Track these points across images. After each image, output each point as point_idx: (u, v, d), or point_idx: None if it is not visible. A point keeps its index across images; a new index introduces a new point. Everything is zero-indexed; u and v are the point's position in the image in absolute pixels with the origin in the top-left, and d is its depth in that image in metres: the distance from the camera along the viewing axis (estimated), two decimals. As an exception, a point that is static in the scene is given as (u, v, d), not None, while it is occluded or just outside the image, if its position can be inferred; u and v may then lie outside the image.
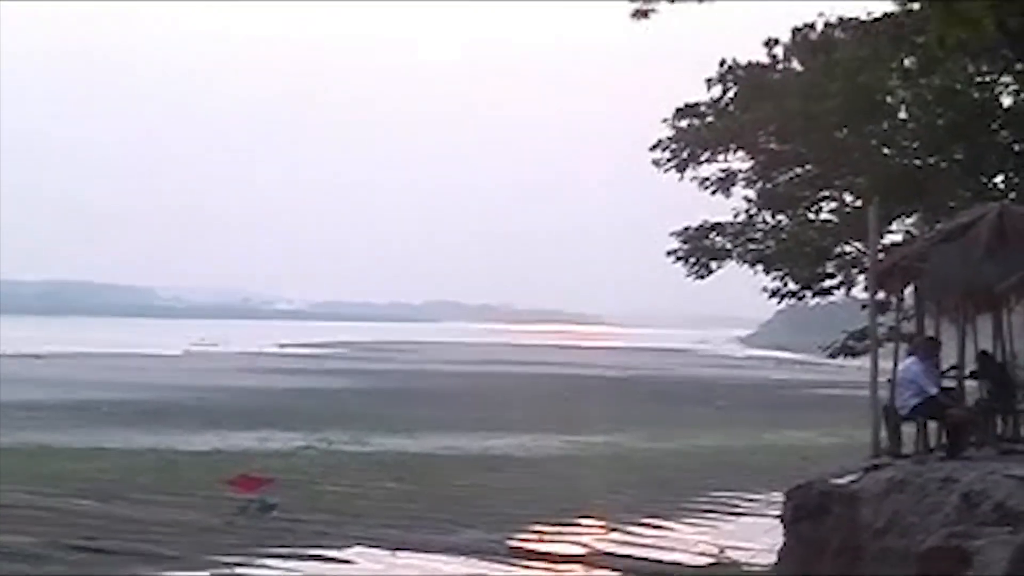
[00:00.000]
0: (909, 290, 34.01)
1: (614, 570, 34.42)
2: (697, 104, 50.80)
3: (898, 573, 24.87)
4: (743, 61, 50.68)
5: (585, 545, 37.61)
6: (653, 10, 48.92)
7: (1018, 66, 45.93)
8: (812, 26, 49.54)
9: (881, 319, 34.34)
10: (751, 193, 51.01)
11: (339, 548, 35.32)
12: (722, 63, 50.66)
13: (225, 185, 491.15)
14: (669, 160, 50.93)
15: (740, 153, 50.78)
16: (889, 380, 31.19)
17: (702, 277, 51.88)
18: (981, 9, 14.82)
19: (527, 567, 34.51)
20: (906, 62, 47.50)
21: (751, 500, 43.69)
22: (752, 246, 50.63)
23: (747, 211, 51.06)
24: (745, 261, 50.77)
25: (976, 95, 47.06)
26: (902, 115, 48.24)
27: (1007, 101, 47.84)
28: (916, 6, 47.39)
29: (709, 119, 50.61)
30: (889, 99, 47.84)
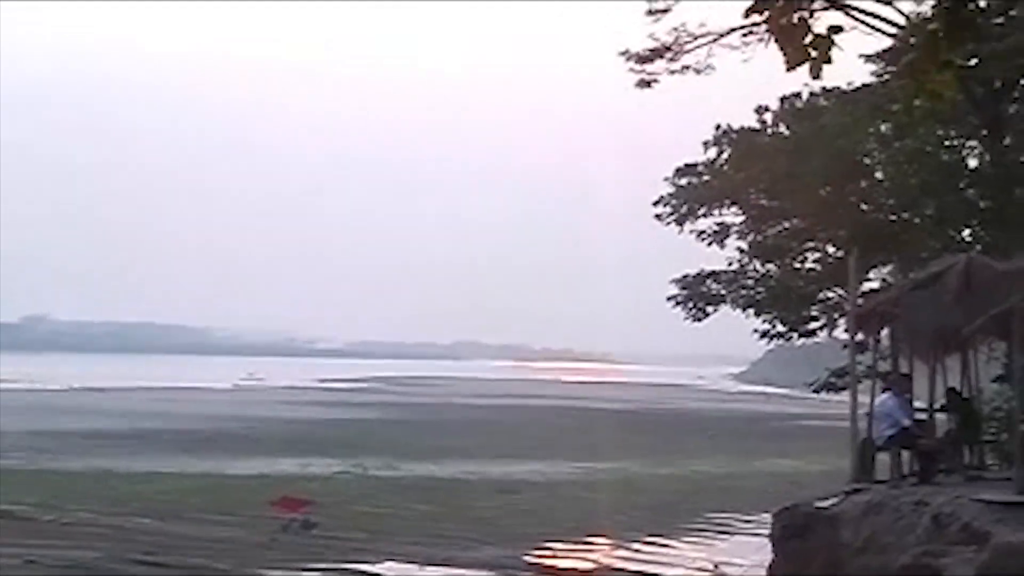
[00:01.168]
0: (885, 332, 33.99)
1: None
2: (695, 164, 50.85)
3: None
4: (736, 125, 50.75)
5: (594, 561, 37.59)
6: (656, 80, 49.12)
7: (983, 131, 45.88)
8: (798, 95, 49.59)
9: (860, 358, 34.28)
10: (743, 244, 51.00)
11: (373, 563, 35.29)
12: (717, 127, 50.72)
13: (273, 231, 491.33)
14: (670, 215, 50.93)
15: (733, 208, 50.76)
16: (867, 413, 31.18)
17: (699, 319, 51.82)
18: (946, 83, 14.77)
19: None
20: (882, 127, 47.53)
21: (743, 521, 43.61)
22: (744, 292, 50.60)
23: (739, 260, 51.06)
24: (738, 305, 50.74)
25: (945, 157, 47.07)
26: (879, 175, 48.24)
27: (973, 162, 47.86)
28: (892, 77, 47.43)
29: (705, 178, 50.64)
30: (867, 160, 47.86)
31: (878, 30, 48.06)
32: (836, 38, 15.68)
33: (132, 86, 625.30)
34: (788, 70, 15.11)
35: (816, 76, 13.99)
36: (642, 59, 48.93)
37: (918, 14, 45.44)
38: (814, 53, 14.55)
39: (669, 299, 51.99)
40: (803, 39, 15.31)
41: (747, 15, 15.96)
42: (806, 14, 15.11)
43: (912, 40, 43.95)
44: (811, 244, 50.08)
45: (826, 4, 39.37)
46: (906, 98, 42.48)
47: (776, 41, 15.48)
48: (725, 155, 50.38)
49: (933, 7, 31.40)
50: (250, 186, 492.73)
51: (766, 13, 15.33)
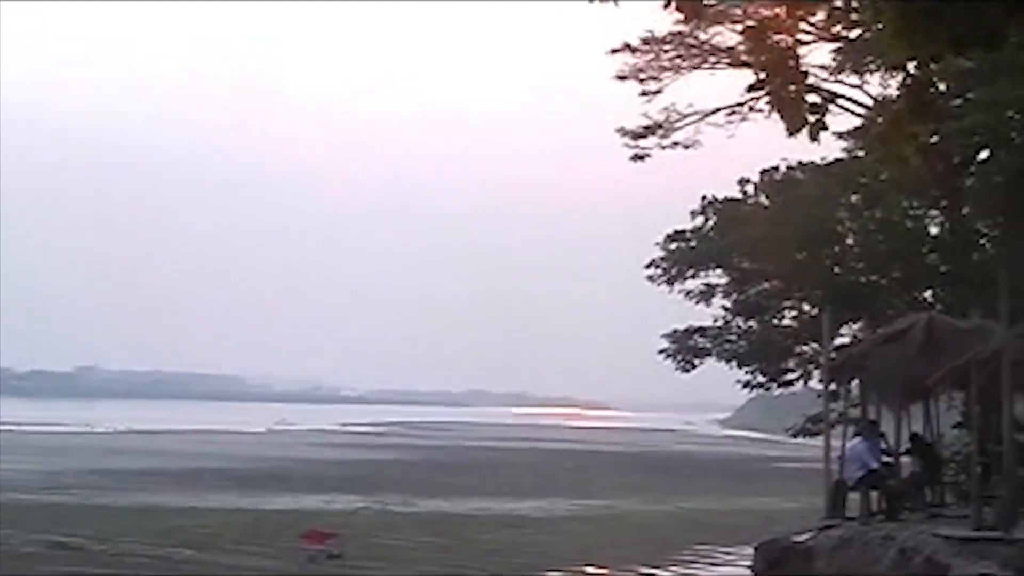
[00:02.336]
0: (855, 382, 34.03)
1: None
2: (683, 231, 50.94)
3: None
4: (720, 195, 50.86)
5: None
6: (649, 155, 49.22)
7: (943, 202, 46.00)
8: (776, 168, 49.71)
9: (833, 406, 34.37)
10: (727, 303, 51.06)
11: (391, 590, 35.25)
12: (703, 198, 50.82)
13: (300, 288, 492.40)
14: (661, 276, 51.02)
15: (718, 271, 50.86)
16: (839, 456, 31.20)
17: (687, 370, 51.86)
18: (911, 152, 14.94)
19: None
20: (853, 198, 47.65)
21: (727, 553, 43.43)
22: (728, 346, 50.64)
23: (724, 317, 51.13)
24: (722, 358, 50.78)
25: (910, 225, 47.20)
26: (849, 241, 48.31)
27: (935, 230, 47.97)
28: (861, 153, 47.56)
29: (693, 243, 50.72)
30: (839, 228, 47.93)
31: (848, 110, 48.33)
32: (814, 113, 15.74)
33: (166, 140, 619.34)
34: (789, 135, 15.18)
35: (814, 139, 14.08)
36: (636, 135, 49.14)
37: (884, 96, 45.74)
38: (811, 119, 14.62)
39: (660, 352, 52.09)
40: (801, 109, 15.37)
41: (750, 90, 16.10)
42: (802, 87, 15.15)
43: (879, 119, 44.24)
44: (788, 303, 50.16)
45: (806, 87, 39.48)
46: (875, 169, 42.76)
47: (777, 111, 15.55)
48: (710, 222, 50.49)
49: (899, 89, 31.54)
50: (277, 248, 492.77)
51: (767, 88, 15.40)
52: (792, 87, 15.14)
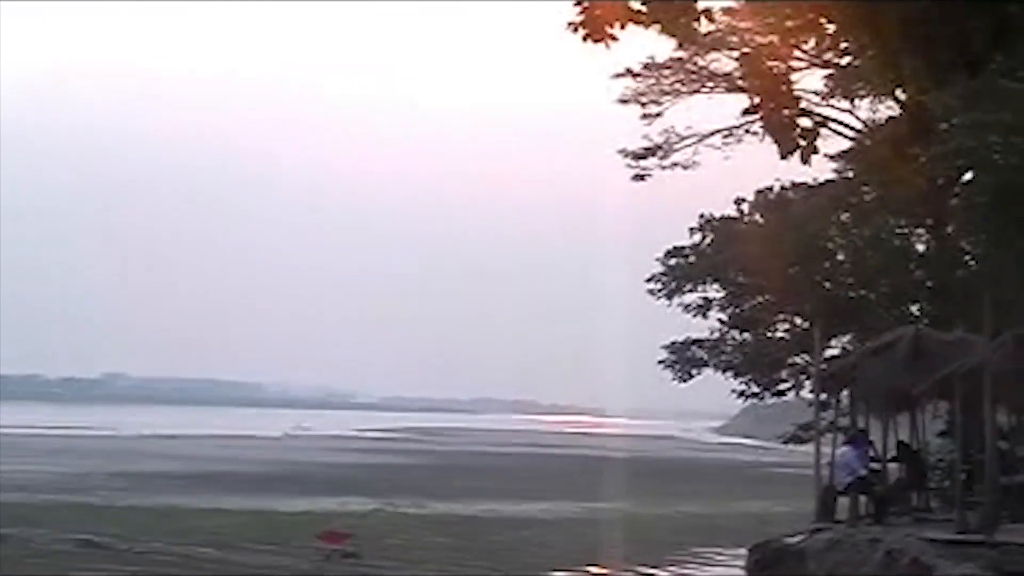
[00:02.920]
0: (845, 392, 34.09)
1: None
2: (682, 247, 50.96)
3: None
4: (718, 214, 50.91)
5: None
6: (649, 174, 49.28)
7: (929, 221, 46.03)
8: (771, 188, 49.73)
9: (823, 415, 34.43)
10: (723, 316, 51.05)
11: (402, 588, 35.29)
12: (701, 216, 50.85)
13: (314, 298, 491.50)
14: (660, 290, 51.04)
15: (715, 285, 50.84)
16: (829, 463, 31.24)
17: (685, 380, 51.85)
18: (913, 172, 15.17)
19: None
20: (843, 217, 47.68)
21: (722, 554, 43.45)
22: (724, 357, 50.64)
23: (720, 330, 51.13)
24: (718, 368, 50.79)
25: (897, 243, 47.20)
26: (839, 257, 48.30)
27: (921, 248, 47.99)
28: (851, 173, 47.62)
29: (691, 259, 50.75)
30: (829, 245, 47.94)
31: (839, 133, 48.37)
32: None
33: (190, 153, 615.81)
34: (782, 158, 15.21)
35: (806, 162, 14.16)
36: (637, 156, 49.22)
37: (873, 120, 45.80)
38: (803, 143, 14.66)
39: (659, 362, 52.11)
40: (793, 133, 15.39)
41: (744, 114, 16.20)
42: (795, 112, 15.20)
43: (875, 142, 44.34)
44: (781, 316, 50.17)
45: (799, 111, 39.46)
46: (863, 190, 42.99)
47: (771, 135, 15.58)
48: (708, 239, 50.52)
49: (898, 114, 31.58)
50: (295, 260, 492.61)
51: (761, 113, 15.42)
52: (785, 112, 15.16)
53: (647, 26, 14.44)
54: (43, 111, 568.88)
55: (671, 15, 14.62)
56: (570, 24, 15.21)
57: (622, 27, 15.20)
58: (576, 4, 15.15)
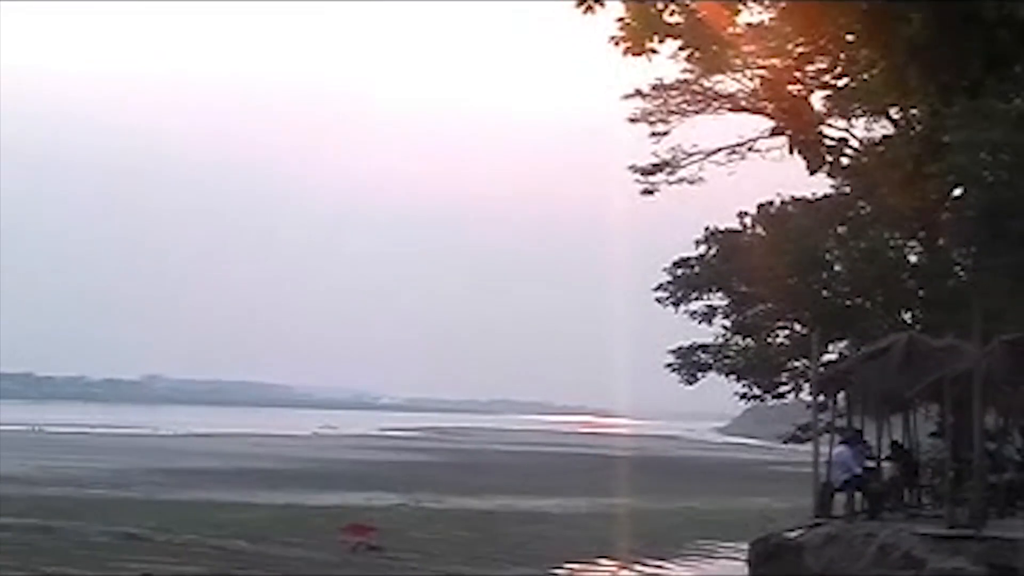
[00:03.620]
0: (842, 395, 34.02)
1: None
2: (688, 258, 50.99)
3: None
4: (722, 227, 50.92)
5: (604, 579, 37.52)
6: (657, 189, 49.30)
7: (921, 234, 46.01)
8: (771, 203, 49.73)
9: (821, 416, 34.32)
10: (727, 323, 51.11)
11: (424, 579, 35.30)
12: (707, 228, 50.87)
13: (341, 304, 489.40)
14: (668, 298, 51.08)
15: (719, 294, 50.89)
16: (826, 461, 31.19)
17: (691, 383, 51.93)
18: (930, 188, 15.35)
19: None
20: (840, 230, 47.67)
21: (725, 548, 43.38)
22: (727, 361, 50.68)
23: (724, 336, 51.18)
24: (722, 372, 50.84)
25: (891, 254, 47.22)
26: (837, 268, 48.29)
27: (913, 259, 47.96)
28: (847, 189, 47.60)
29: (697, 269, 50.77)
30: (827, 256, 47.94)
31: (836, 147, 48.29)
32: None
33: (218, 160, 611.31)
34: (811, 174, 15.27)
35: (831, 176, 14.37)
36: (645, 172, 49.26)
37: (870, 139, 45.79)
38: (829, 158, 14.73)
39: (667, 366, 52.18)
40: (820, 150, 15.41)
41: (773, 134, 16.31)
42: (821, 130, 15.31)
43: (864, 159, 44.35)
44: (781, 323, 50.20)
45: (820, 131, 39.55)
46: (870, 202, 43.02)
47: (800, 153, 15.62)
48: (713, 251, 50.54)
49: (914, 135, 31.59)
50: (323, 267, 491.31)
51: (787, 133, 15.47)
52: (810, 131, 15.22)
53: (684, 41, 14.59)
54: (86, 116, 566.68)
55: (701, 36, 14.77)
56: (612, 38, 15.36)
57: (660, 41, 15.37)
58: (618, 20, 15.34)
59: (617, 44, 15.13)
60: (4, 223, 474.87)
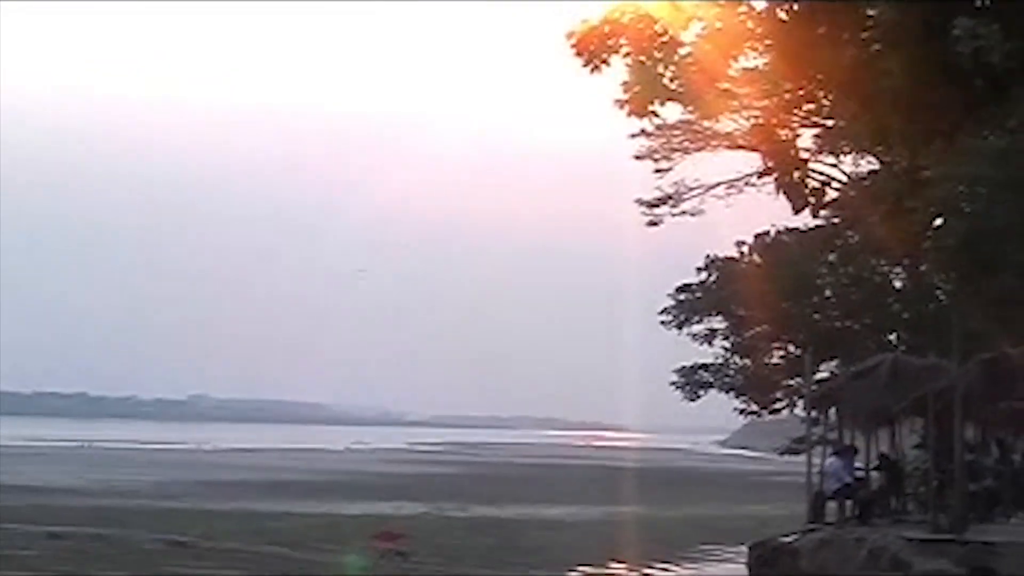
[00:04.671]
0: (833, 411, 34.03)
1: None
2: (690, 284, 51.04)
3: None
4: (721, 255, 50.96)
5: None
6: (662, 220, 49.36)
7: (905, 261, 46.00)
8: (767, 232, 49.77)
9: (814, 430, 34.38)
10: (726, 344, 51.06)
11: (449, 582, 35.36)
12: (707, 256, 50.92)
13: (369, 326, 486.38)
14: (672, 321, 51.09)
15: (719, 317, 50.85)
16: (819, 471, 31.20)
17: (693, 400, 51.88)
18: (913, 222, 15.47)
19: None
20: (830, 257, 47.69)
21: (726, 551, 43.34)
22: (727, 379, 50.67)
23: (723, 356, 51.15)
24: (722, 389, 50.82)
25: (877, 280, 47.28)
26: (827, 293, 48.30)
27: (898, 284, 47.98)
28: (836, 220, 47.62)
29: (698, 294, 50.80)
30: (818, 282, 47.95)
31: (824, 185, 48.35)
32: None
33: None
34: (795, 213, 15.36)
35: (815, 216, 14.52)
36: (650, 205, 49.36)
37: (857, 174, 45.85)
38: (812, 200, 14.84)
39: (671, 384, 52.16)
40: (803, 192, 15.50)
41: (760, 177, 16.39)
42: (803, 173, 15.42)
43: (852, 193, 44.44)
44: (777, 345, 50.17)
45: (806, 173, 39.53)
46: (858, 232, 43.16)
47: (784, 194, 15.72)
48: (713, 277, 50.59)
49: (897, 172, 31.66)
50: (348, 293, 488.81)
51: (774, 174, 15.58)
52: (796, 174, 15.33)
53: (684, 104, 15.03)
54: (132, 140, 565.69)
55: (701, 93, 14.99)
56: (616, 101, 15.56)
57: (662, 104, 15.57)
58: (622, 85, 15.53)
59: (622, 107, 15.31)
60: (62, 254, 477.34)
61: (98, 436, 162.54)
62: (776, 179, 15.15)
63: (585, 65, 15.02)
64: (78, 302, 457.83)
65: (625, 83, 15.49)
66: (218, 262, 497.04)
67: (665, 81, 15.28)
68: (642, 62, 15.10)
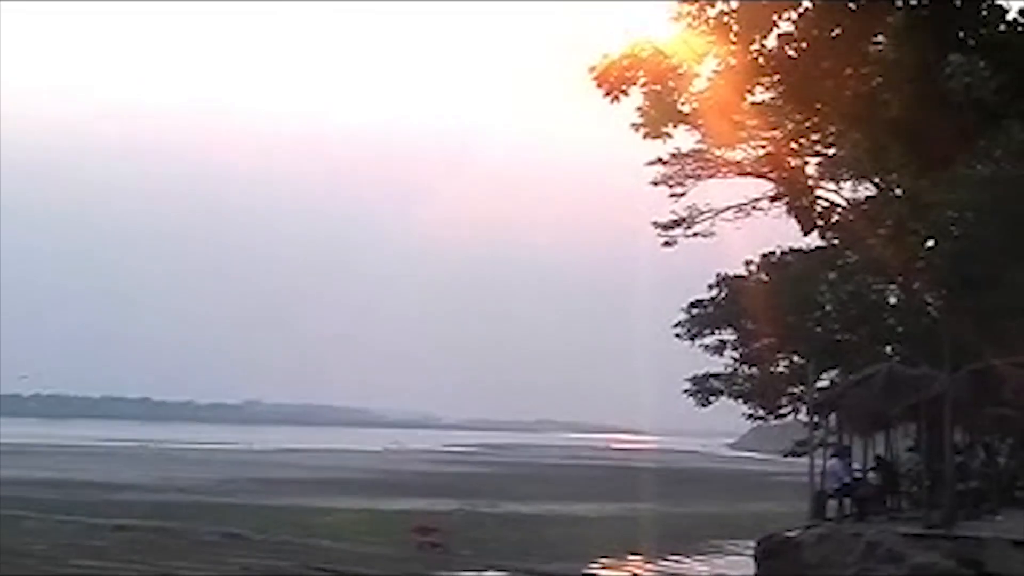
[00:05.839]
0: (833, 416, 33.94)
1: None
2: (702, 300, 50.95)
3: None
4: (731, 273, 50.90)
5: (631, 571, 37.46)
6: (676, 241, 49.30)
7: (899, 278, 45.84)
8: (773, 252, 49.65)
9: (816, 433, 34.28)
10: (735, 354, 50.94)
11: (479, 571, 35.34)
12: (718, 275, 50.86)
13: (411, 338, 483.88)
14: (685, 333, 51.02)
15: (729, 330, 50.73)
16: (820, 472, 31.12)
17: (704, 406, 51.71)
18: (915, 244, 15.57)
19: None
20: (830, 276, 47.55)
21: (734, 545, 43.29)
22: (736, 387, 50.50)
23: (733, 366, 51.02)
24: (731, 396, 50.65)
25: (873, 297, 47.14)
26: (828, 308, 48.12)
27: (892, 300, 47.88)
28: (836, 241, 47.52)
29: (709, 309, 50.72)
30: (820, 298, 47.79)
31: (828, 209, 48.28)
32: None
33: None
34: (804, 234, 15.33)
35: (822, 236, 14.55)
36: (665, 227, 49.32)
37: (856, 200, 45.75)
38: (820, 222, 14.87)
39: (684, 391, 52.06)
40: (812, 215, 15.51)
41: (773, 200, 16.36)
42: (811, 199, 15.43)
43: (851, 217, 44.35)
44: (781, 355, 49.97)
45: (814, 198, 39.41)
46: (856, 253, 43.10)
47: (795, 217, 15.72)
48: (723, 293, 50.53)
49: (894, 198, 31.53)
50: (385, 304, 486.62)
51: (785, 200, 15.60)
52: (804, 198, 15.36)
53: (697, 132, 15.22)
54: (182, 151, 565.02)
55: (714, 124, 15.09)
56: (632, 125, 15.63)
57: (675, 127, 15.63)
58: (637, 109, 15.61)
59: (637, 129, 15.39)
60: (130, 268, 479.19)
61: (160, 437, 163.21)
62: (787, 204, 15.19)
63: (606, 96, 15.07)
64: (142, 315, 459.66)
65: (640, 108, 15.54)
66: (268, 277, 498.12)
67: (679, 107, 15.32)
68: (657, 91, 15.16)
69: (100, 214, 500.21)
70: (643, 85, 15.31)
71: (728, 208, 50.12)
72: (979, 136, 15.03)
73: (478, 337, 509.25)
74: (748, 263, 50.82)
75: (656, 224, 50.21)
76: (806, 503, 31.62)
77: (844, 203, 47.99)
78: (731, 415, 54.75)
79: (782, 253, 49.37)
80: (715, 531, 49.83)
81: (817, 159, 45.36)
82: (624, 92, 15.16)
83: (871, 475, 32.90)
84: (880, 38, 14.66)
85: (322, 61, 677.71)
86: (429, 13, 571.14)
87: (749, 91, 15.64)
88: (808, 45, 14.20)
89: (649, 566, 39.01)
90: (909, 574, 23.75)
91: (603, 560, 39.23)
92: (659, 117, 15.39)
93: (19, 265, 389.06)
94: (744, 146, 45.71)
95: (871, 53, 14.57)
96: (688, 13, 14.62)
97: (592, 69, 15.65)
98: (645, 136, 15.36)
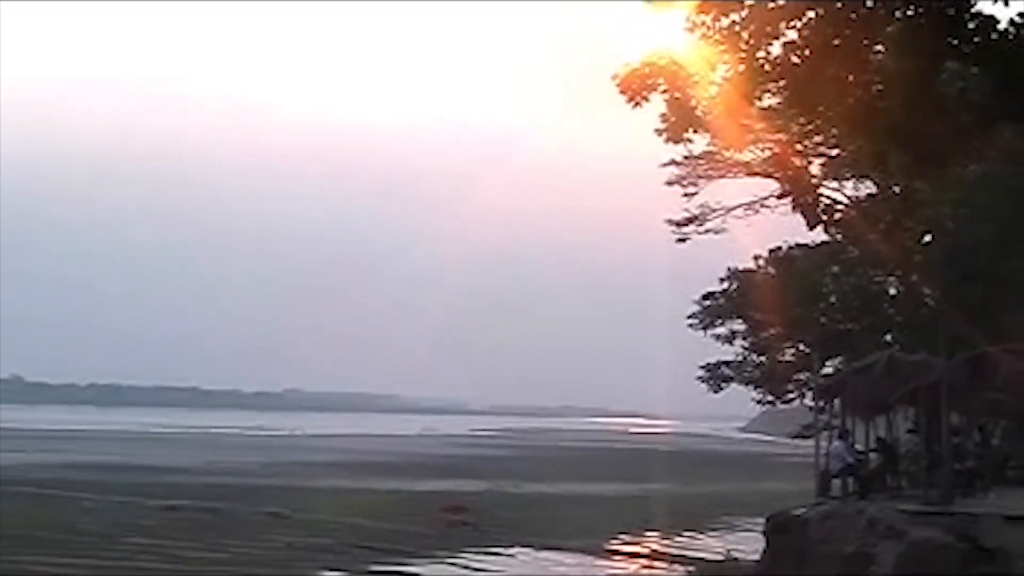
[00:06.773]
0: (837, 400, 33.88)
1: (669, 561, 34.36)
2: (714, 292, 50.95)
3: (831, 569, 24.78)
4: (741, 267, 50.86)
5: (648, 547, 37.51)
6: (689, 237, 49.27)
7: (898, 272, 45.73)
8: (780, 247, 49.59)
9: (821, 417, 34.22)
10: (745, 344, 50.94)
11: (506, 547, 35.42)
12: (728, 269, 50.83)
13: (443, 328, 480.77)
14: (698, 324, 51.04)
15: (739, 321, 50.70)
16: (825, 453, 31.10)
17: (717, 392, 51.75)
18: (910, 239, 15.66)
19: (615, 559, 34.50)
20: (835, 269, 47.49)
21: (745, 522, 43.29)
22: (746, 374, 50.53)
23: (743, 354, 51.01)
24: (742, 383, 50.68)
25: (875, 289, 47.10)
26: (832, 299, 48.05)
27: (892, 292, 47.82)
28: (839, 236, 47.43)
29: (721, 301, 50.71)
30: (824, 290, 47.72)
31: (830, 207, 48.10)
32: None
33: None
34: (810, 230, 15.32)
35: (826, 232, 14.56)
36: (679, 224, 49.27)
37: (857, 197, 45.62)
38: (825, 218, 14.87)
39: (698, 378, 52.09)
40: (817, 212, 15.53)
41: (779, 198, 16.38)
42: (816, 196, 15.42)
43: (853, 214, 44.24)
44: (788, 344, 49.96)
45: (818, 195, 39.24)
46: (858, 248, 43.05)
47: (801, 213, 15.73)
48: (733, 286, 50.52)
49: (893, 196, 31.47)
50: (416, 298, 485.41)
51: (791, 197, 15.61)
52: (809, 195, 15.37)
53: (710, 135, 15.37)
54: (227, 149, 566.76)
55: (724, 127, 15.18)
56: (656, 130, 15.72)
57: (695, 131, 15.74)
58: (660, 116, 15.72)
59: (660, 134, 15.50)
60: (178, 269, 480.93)
61: (208, 423, 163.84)
62: (792, 202, 15.20)
63: (628, 101, 15.14)
64: (190, 308, 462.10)
65: (663, 115, 15.65)
66: (308, 274, 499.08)
67: (697, 113, 15.44)
68: (677, 98, 15.26)
69: (146, 221, 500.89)
70: (663, 92, 15.41)
71: (738, 206, 50.07)
72: (973, 138, 15.00)
73: (505, 328, 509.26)
74: (757, 257, 50.79)
75: (670, 221, 50.20)
76: (812, 482, 31.63)
77: (846, 201, 47.91)
78: (741, 400, 54.80)
79: (788, 248, 49.31)
80: (727, 509, 49.86)
81: (821, 160, 45.27)
82: (645, 98, 15.26)
83: (873, 456, 32.87)
84: (880, 47, 14.66)
85: (371, 65, 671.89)
86: (459, 13, 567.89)
87: (757, 96, 15.66)
88: (812, 53, 14.21)
89: (665, 541, 39.07)
90: (909, 549, 23.70)
91: (622, 536, 39.29)
92: (680, 123, 15.48)
93: (78, 268, 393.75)
94: (752, 148, 45.65)
95: (871, 61, 14.57)
96: (702, 23, 14.66)
97: (615, 76, 15.75)
98: (667, 141, 15.48)
